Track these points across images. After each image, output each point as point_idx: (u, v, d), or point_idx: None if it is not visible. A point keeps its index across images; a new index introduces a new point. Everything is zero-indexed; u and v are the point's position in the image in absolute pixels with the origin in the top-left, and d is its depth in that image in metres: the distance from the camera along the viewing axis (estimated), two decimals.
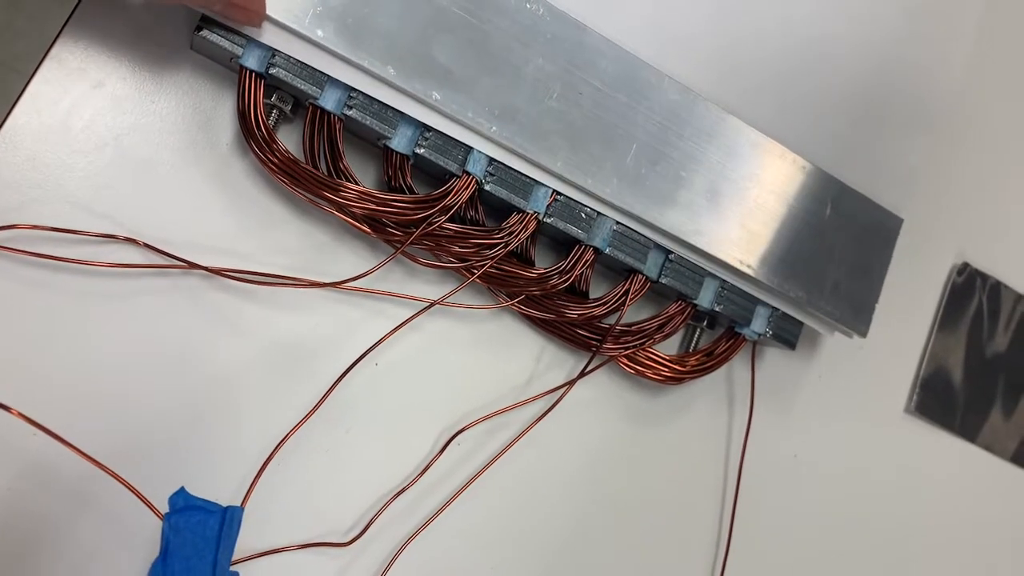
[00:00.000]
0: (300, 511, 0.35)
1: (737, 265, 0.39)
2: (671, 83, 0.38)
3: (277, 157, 0.33)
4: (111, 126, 0.32)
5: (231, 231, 0.34)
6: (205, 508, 0.28)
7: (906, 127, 0.44)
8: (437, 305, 0.36)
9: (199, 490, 0.28)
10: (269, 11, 0.30)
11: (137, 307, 0.32)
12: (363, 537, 0.35)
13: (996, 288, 0.50)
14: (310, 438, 0.35)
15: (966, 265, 0.49)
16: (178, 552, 0.27)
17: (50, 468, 0.30)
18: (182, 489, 0.28)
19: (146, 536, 0.30)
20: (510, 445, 0.38)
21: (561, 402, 0.39)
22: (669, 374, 0.40)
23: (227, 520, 0.28)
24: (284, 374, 0.35)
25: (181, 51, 0.33)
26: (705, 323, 0.42)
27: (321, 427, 0.35)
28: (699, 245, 0.38)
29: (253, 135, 0.32)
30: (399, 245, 0.35)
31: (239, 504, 0.29)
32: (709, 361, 0.41)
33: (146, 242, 0.32)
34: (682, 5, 0.39)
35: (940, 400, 0.48)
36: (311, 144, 0.34)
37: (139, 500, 0.28)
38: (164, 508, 0.28)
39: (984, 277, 0.50)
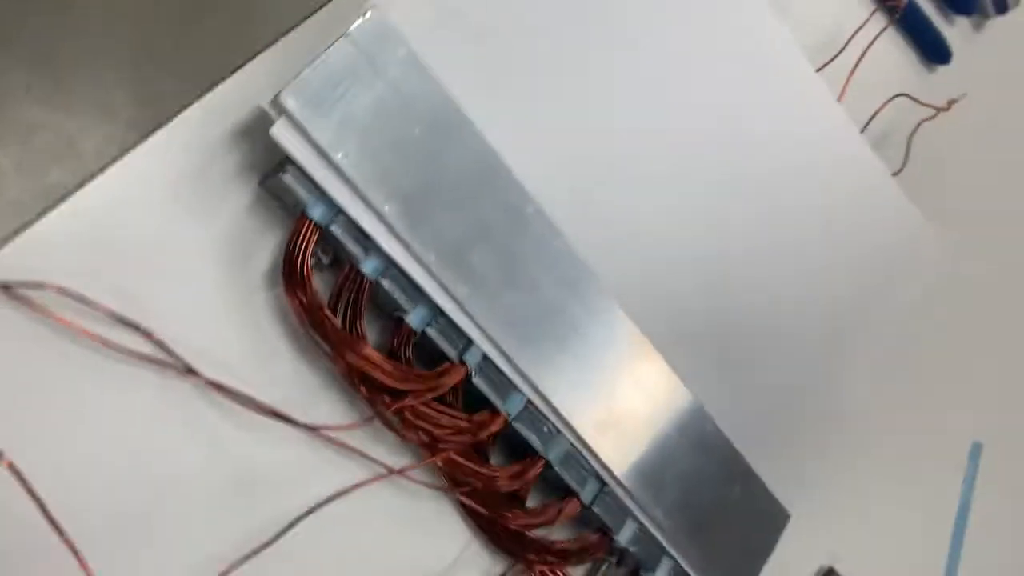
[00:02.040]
0: None
1: (655, 512, 0.43)
2: (645, 342, 0.43)
3: (308, 302, 0.35)
4: (168, 230, 0.35)
5: (235, 352, 0.36)
6: None
7: (812, 433, 0.51)
8: (393, 476, 0.38)
9: None
10: (352, 176, 0.34)
11: (132, 396, 0.33)
12: None
13: None
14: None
15: (832, 570, 0.55)
16: None
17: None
18: None
19: None
20: None
21: None
22: None
23: None
24: (242, 498, 0.35)
25: (250, 183, 0.37)
26: (616, 560, 0.45)
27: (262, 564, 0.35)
28: (628, 486, 0.42)
29: (294, 278, 0.35)
30: (382, 408, 0.37)
31: None
32: None
33: (159, 339, 0.34)
34: (674, 267, 0.45)
35: None
36: (338, 297, 0.37)
37: None
38: None
39: None
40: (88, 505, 0.31)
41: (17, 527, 0.30)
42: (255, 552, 0.34)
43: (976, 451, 0.67)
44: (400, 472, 0.38)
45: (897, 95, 0.57)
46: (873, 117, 0.55)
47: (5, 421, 0.30)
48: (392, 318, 0.38)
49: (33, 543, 0.29)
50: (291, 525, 0.35)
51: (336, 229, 0.35)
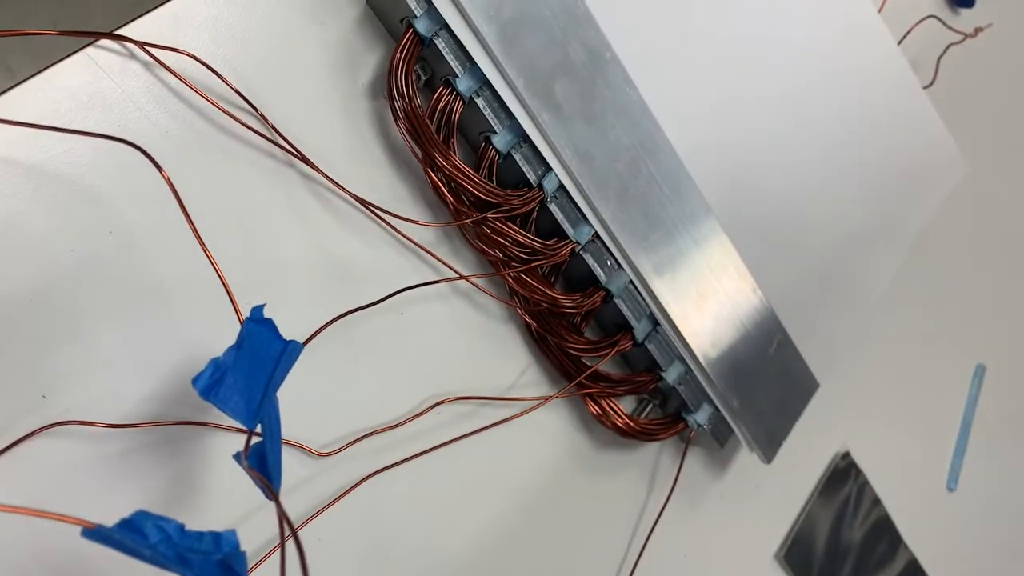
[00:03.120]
0: (293, 408, 0.37)
1: (700, 356, 0.46)
2: (701, 198, 0.46)
3: (408, 107, 0.38)
4: (286, 32, 0.37)
5: (337, 152, 0.39)
6: (274, 330, 0.30)
7: (841, 318, 0.55)
8: (465, 285, 0.41)
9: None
10: None
11: (243, 169, 0.36)
12: (336, 456, 0.37)
13: (864, 486, 0.59)
14: (325, 349, 0.37)
15: (848, 454, 0.58)
16: (248, 350, 0.29)
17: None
18: (263, 305, 0.30)
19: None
20: (473, 433, 0.41)
21: (526, 415, 0.43)
22: (622, 425, 0.45)
23: (287, 350, 0.30)
24: (328, 282, 0.38)
25: (359, 3, 0.40)
26: (658, 402, 0.48)
27: (338, 345, 0.38)
28: (679, 327, 0.45)
29: (397, 83, 0.38)
30: (465, 217, 0.40)
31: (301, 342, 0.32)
32: (655, 429, 0.46)
33: (274, 124, 0.36)
34: (728, 140, 0.49)
35: (804, 558, 0.55)
36: (432, 114, 0.40)
37: (231, 301, 0.30)
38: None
39: (858, 471, 0.59)
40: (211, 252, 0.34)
41: (169, 247, 0.33)
42: (341, 316, 0.36)
43: (980, 372, 0.71)
44: (470, 278, 0.41)
45: (928, 16, 0.61)
46: (906, 35, 0.59)
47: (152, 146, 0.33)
48: (477, 144, 0.41)
49: (176, 253, 0.32)
50: (377, 302, 0.38)
51: (439, 43, 0.38)
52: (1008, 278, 0.76)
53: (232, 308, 0.31)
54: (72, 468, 0.31)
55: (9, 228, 0.31)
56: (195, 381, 0.28)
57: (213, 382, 0.28)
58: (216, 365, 0.28)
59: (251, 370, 0.29)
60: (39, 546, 0.29)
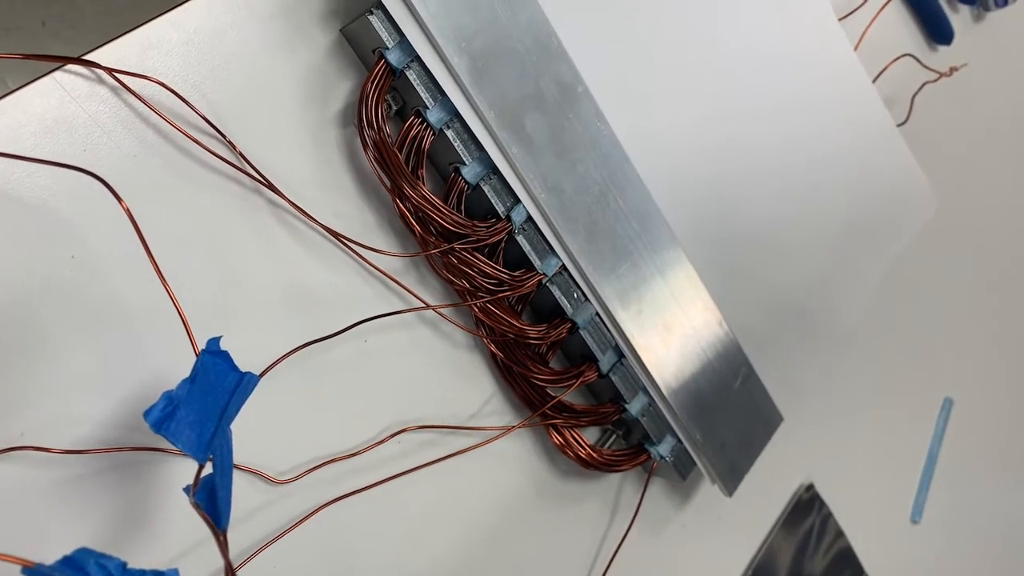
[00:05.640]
0: (252, 434, 0.37)
1: (664, 388, 0.46)
2: (669, 232, 0.47)
3: (378, 137, 0.38)
4: (258, 59, 0.38)
5: (306, 180, 0.39)
6: (230, 362, 0.30)
7: (808, 352, 0.55)
8: (431, 314, 0.42)
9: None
10: (430, 26, 0.38)
11: (211, 196, 0.36)
12: (294, 484, 0.37)
13: (827, 518, 0.60)
14: (287, 375, 0.37)
15: (812, 486, 0.59)
16: (202, 383, 0.29)
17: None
18: (219, 338, 0.30)
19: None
20: (434, 462, 0.42)
21: (489, 445, 0.43)
22: (585, 456, 0.45)
23: (243, 382, 0.30)
24: (293, 309, 0.38)
25: (333, 28, 0.40)
26: (621, 433, 0.48)
27: (300, 372, 0.38)
28: (644, 359, 0.45)
29: (367, 113, 0.38)
30: (432, 247, 0.40)
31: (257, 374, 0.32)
32: (618, 460, 0.47)
33: (242, 151, 0.37)
34: (699, 174, 0.49)
35: None
36: (402, 144, 0.40)
37: (187, 333, 0.30)
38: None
39: (822, 503, 0.59)
40: (175, 278, 0.34)
41: (132, 274, 0.33)
42: (302, 347, 0.37)
43: (948, 406, 0.72)
44: (436, 308, 0.41)
45: (904, 55, 0.61)
46: (881, 73, 0.60)
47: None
48: (447, 174, 0.42)
49: (138, 280, 0.32)
50: (338, 332, 0.38)
51: (411, 74, 0.39)
52: (976, 312, 0.76)
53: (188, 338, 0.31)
54: (25, 493, 0.31)
55: None
56: (146, 414, 0.28)
57: (165, 415, 0.28)
58: (168, 398, 0.28)
59: (204, 403, 0.29)
60: None
